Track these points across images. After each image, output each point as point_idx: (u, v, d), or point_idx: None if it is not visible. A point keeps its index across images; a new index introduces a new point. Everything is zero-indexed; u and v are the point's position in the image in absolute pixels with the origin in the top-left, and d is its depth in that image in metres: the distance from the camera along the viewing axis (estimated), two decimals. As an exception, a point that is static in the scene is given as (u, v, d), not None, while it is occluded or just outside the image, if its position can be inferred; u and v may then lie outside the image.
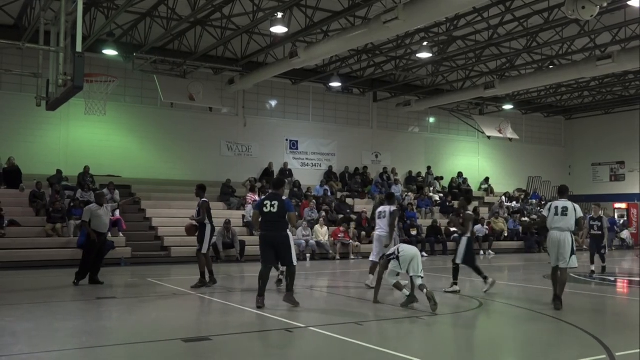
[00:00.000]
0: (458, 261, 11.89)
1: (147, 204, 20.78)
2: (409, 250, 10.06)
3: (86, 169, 20.56)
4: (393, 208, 12.44)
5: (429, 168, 29.25)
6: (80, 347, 7.20)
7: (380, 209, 12.59)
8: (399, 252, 9.96)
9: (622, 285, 14.63)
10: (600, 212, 16.19)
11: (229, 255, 19.10)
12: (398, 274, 10.01)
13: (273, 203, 9.82)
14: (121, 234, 18.59)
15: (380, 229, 12.33)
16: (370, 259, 12.59)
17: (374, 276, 11.85)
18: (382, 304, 10.31)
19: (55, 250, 17.21)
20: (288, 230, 10.08)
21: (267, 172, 24.86)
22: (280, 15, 16.85)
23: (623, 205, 31.30)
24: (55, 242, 17.52)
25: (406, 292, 9.94)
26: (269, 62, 22.32)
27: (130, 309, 10.36)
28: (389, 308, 10.36)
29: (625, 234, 28.86)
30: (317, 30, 19.09)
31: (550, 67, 23.31)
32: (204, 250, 12.63)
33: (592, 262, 15.83)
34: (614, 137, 32.01)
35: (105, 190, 19.82)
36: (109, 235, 18.01)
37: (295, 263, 10.12)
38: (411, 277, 9.92)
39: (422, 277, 9.85)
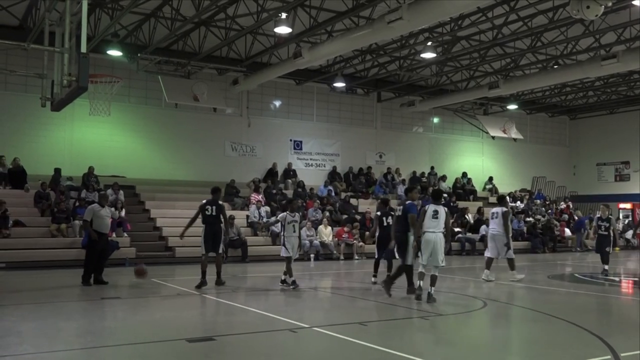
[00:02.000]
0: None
1: (151, 204, 20.81)
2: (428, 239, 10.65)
3: (90, 169, 20.60)
4: (504, 209, 13.83)
5: (432, 168, 29.21)
6: (85, 347, 7.22)
7: (493, 210, 14.19)
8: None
9: (626, 286, 14.58)
10: (607, 212, 16.03)
11: (233, 255, 19.10)
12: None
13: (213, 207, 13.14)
14: (125, 234, 18.62)
15: (494, 228, 13.91)
16: (486, 255, 14.13)
17: (489, 270, 13.88)
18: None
19: (60, 251, 17.24)
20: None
21: (272, 172, 24.88)
22: (284, 15, 16.85)
23: (628, 206, 31.18)
24: (60, 243, 17.55)
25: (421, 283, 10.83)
26: (273, 63, 22.33)
27: (134, 309, 10.38)
28: (394, 308, 10.36)
29: (629, 234, 28.76)
30: (321, 31, 19.09)
31: (555, 66, 23.25)
32: (220, 250, 13.37)
33: (604, 262, 15.63)
34: (618, 137, 31.91)
35: (109, 191, 19.90)
36: (113, 235, 18.15)
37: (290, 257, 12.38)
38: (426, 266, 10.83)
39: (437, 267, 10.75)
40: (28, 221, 18.01)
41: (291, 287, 12.15)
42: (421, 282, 10.71)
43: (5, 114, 20.41)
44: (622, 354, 6.72)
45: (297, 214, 12.56)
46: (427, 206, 10.86)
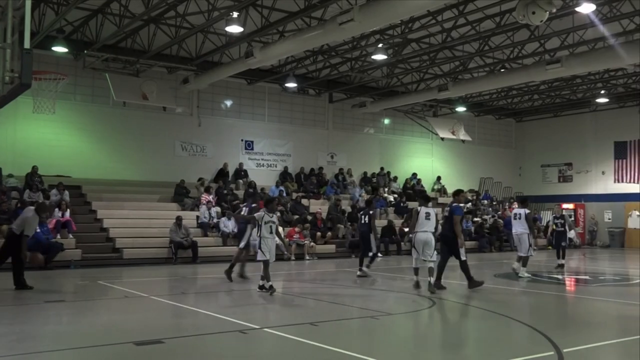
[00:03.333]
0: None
1: (98, 204, 20.34)
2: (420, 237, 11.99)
3: (34, 168, 19.98)
4: (527, 211, 14.97)
5: (381, 169, 29.49)
6: (27, 352, 6.98)
7: (516, 211, 15.18)
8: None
9: (570, 284, 15.04)
10: (562, 211, 17.12)
11: (182, 257, 18.85)
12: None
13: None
14: (71, 236, 18.14)
15: (517, 228, 14.87)
16: (518, 254, 15.11)
17: (519, 263, 14.98)
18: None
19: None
20: None
21: (222, 173, 24.66)
22: (235, 14, 16.73)
23: (571, 206, 32.20)
24: (1, 244, 16.91)
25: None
26: (224, 62, 22.13)
27: (79, 312, 10.12)
28: (345, 308, 10.41)
29: (572, 233, 29.66)
30: (273, 31, 19.03)
31: (502, 70, 23.80)
32: (242, 246, 14.10)
33: (559, 257, 17.08)
34: (562, 139, 32.96)
35: (54, 191, 19.36)
36: (58, 236, 17.67)
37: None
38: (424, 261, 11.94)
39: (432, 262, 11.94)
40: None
41: (269, 292, 11.34)
42: (416, 276, 12.36)
43: (-58, 110, 19.59)
44: (565, 350, 6.91)
45: (275, 214, 11.96)
46: (419, 208, 12.17)
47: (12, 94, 10.75)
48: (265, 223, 11.53)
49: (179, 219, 19.25)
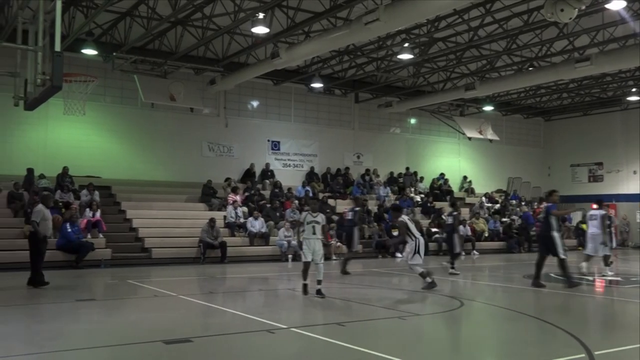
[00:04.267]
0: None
1: (127, 204, 20.59)
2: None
3: (65, 169, 20.31)
4: (603, 212, 15.37)
5: (407, 169, 29.35)
6: (59, 349, 7.11)
7: (592, 212, 15.65)
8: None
9: (601, 285, 14.79)
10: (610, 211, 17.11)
11: (210, 256, 18.99)
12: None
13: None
14: (101, 235, 18.41)
15: (593, 229, 15.27)
16: (585, 252, 15.56)
17: (587, 263, 15.37)
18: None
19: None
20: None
21: (249, 173, 24.79)
22: (261, 15, 16.81)
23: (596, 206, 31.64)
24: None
25: (429, 279, 12.15)
26: (250, 63, 22.25)
27: (109, 311, 10.27)
28: (372, 308, 10.39)
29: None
30: (299, 31, 19.07)
31: (530, 69, 23.53)
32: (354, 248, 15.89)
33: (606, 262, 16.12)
34: (592, 138, 32.42)
35: (84, 191, 19.67)
36: (89, 236, 17.95)
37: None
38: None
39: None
40: (1, 222, 17.69)
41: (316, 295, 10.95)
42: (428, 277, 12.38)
43: (-23, 113, 20.04)
44: (596, 352, 6.81)
45: (319, 214, 11.45)
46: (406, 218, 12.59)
47: (43, 96, 10.98)
48: (308, 223, 11.23)
49: (212, 221, 19.38)
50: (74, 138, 21.62)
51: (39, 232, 12.54)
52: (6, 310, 10.14)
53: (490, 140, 30.29)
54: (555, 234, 12.65)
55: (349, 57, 22.73)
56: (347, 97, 28.13)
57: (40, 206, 13.00)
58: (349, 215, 16.97)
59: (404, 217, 12.67)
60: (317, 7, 17.68)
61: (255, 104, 26.01)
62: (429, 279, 12.28)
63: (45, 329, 8.24)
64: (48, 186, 19.80)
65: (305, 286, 11.24)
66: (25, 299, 11.32)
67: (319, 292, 11.03)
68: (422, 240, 12.42)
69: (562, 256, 12.51)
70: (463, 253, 16.68)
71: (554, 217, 12.72)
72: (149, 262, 18.28)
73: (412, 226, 12.53)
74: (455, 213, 16.24)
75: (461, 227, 24.17)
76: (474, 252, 23.78)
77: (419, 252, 12.24)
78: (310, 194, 24.81)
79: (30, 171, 19.76)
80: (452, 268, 15.79)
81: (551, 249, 12.64)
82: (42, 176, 20.07)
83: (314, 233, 11.14)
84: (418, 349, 7.42)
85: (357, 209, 17.03)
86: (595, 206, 16.62)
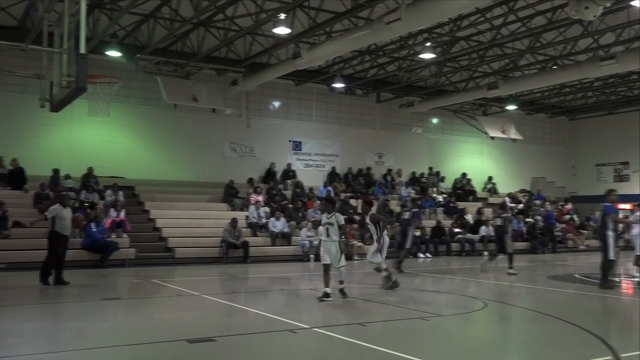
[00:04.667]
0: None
1: (151, 204, 20.80)
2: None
3: (90, 170, 20.57)
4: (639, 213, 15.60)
5: (430, 169, 29.21)
6: (85, 347, 7.21)
7: (638, 214, 15.70)
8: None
9: (627, 287, 14.57)
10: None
11: (232, 256, 19.09)
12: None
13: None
14: (125, 235, 18.60)
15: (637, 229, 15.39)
16: (636, 253, 15.25)
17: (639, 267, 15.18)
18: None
19: (59, 252, 17.18)
20: None
21: (270, 173, 24.88)
22: (283, 16, 16.85)
23: (627, 206, 31.17)
24: (60, 243, 17.49)
25: (384, 273, 12.04)
26: (272, 63, 22.33)
27: (134, 309, 10.38)
28: (393, 308, 10.36)
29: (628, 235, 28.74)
30: (320, 31, 19.09)
31: (554, 67, 23.27)
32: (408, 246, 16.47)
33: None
34: (617, 137, 31.91)
35: (109, 192, 19.90)
36: (113, 236, 18.14)
37: None
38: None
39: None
40: (27, 222, 17.94)
41: (321, 298, 10.73)
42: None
43: (4, 114, 20.39)
44: (623, 355, 6.71)
45: (334, 215, 10.95)
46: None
47: (69, 98, 11.14)
48: (323, 225, 11.16)
49: (234, 221, 19.48)
50: (98, 139, 21.90)
51: (36, 222, 12.97)
52: (33, 308, 10.32)
53: (514, 140, 30.00)
54: (610, 234, 12.65)
55: (371, 57, 22.70)
56: (368, 97, 28.08)
57: (56, 205, 13.26)
58: (406, 215, 17.59)
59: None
60: (338, 7, 17.68)
61: (276, 104, 26.09)
62: (384, 273, 12.33)
63: (71, 327, 8.36)
64: (73, 186, 20.09)
65: (325, 294, 10.70)
66: (52, 298, 11.50)
67: (341, 291, 11.00)
68: (387, 240, 12.45)
69: (612, 257, 12.55)
70: (512, 251, 16.35)
71: (610, 217, 12.77)
72: (172, 261, 18.43)
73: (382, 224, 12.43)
74: (504, 215, 16.38)
75: (484, 227, 24.12)
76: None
77: (381, 252, 12.25)
78: (332, 194, 24.80)
79: (56, 172, 20.06)
80: (510, 268, 15.79)
81: (603, 248, 12.75)
82: (67, 176, 20.35)
83: (328, 235, 10.92)
84: (441, 350, 7.38)
85: (415, 209, 17.83)
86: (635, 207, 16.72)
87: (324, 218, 11.12)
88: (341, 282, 11.05)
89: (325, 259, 10.96)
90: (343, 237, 11.20)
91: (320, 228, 11.42)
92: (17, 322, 8.73)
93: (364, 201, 14.02)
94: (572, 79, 23.36)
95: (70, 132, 21.55)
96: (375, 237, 12.38)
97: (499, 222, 16.55)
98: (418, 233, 22.71)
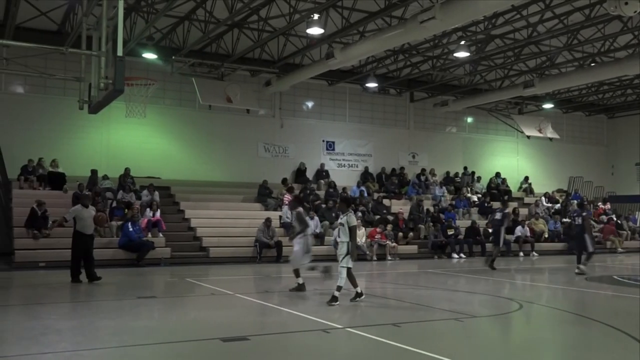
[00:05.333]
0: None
1: (186, 204, 21.05)
2: None
3: (127, 170, 20.92)
4: None
5: (465, 168, 28.92)
6: (121, 345, 7.35)
7: None
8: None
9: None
10: None
11: (266, 256, 19.20)
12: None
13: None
14: (161, 235, 18.85)
15: None
16: None
17: None
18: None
19: (98, 250, 17.46)
20: None
21: (300, 172, 24.94)
22: (316, 16, 16.88)
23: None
24: (97, 242, 17.71)
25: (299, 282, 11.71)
26: (305, 64, 22.39)
27: (169, 308, 10.52)
28: (428, 309, 10.29)
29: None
30: (353, 31, 19.07)
31: (592, 64, 22.80)
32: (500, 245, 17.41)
33: None
34: (659, 136, 31.12)
35: (145, 192, 20.21)
36: (149, 235, 18.42)
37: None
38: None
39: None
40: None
41: (357, 299, 10.49)
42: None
43: (44, 117, 20.89)
44: (664, 358, 6.55)
45: (348, 214, 10.48)
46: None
47: (106, 100, 11.36)
48: (338, 225, 10.71)
49: (268, 221, 19.59)
50: (135, 140, 22.27)
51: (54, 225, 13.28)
52: (71, 306, 10.55)
53: (551, 139, 29.51)
54: None
55: (404, 56, 22.58)
56: (402, 96, 27.94)
57: (77, 206, 13.55)
58: (498, 216, 18.20)
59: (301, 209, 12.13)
60: (371, 7, 17.64)
61: (310, 104, 26.16)
62: (299, 282, 11.71)
63: (108, 325, 8.52)
64: (111, 187, 20.46)
65: (357, 294, 10.51)
66: (89, 296, 11.73)
67: (332, 298, 10.23)
68: (310, 239, 12.17)
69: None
70: (591, 252, 16.17)
71: None
72: (206, 261, 18.62)
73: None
74: (584, 214, 16.54)
75: (519, 227, 23.77)
76: (533, 253, 23.25)
77: (308, 252, 11.80)
78: (365, 194, 24.77)
79: (94, 172, 20.46)
80: (583, 266, 15.86)
81: None
82: (105, 177, 20.74)
83: (339, 236, 10.54)
84: (475, 352, 7.31)
85: (506, 211, 18.47)
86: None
87: (339, 218, 10.73)
88: (338, 289, 10.29)
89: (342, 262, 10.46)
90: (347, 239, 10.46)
91: (335, 229, 11.14)
92: (56, 319, 8.94)
93: (295, 197, 13.48)
94: (610, 76, 22.86)
95: (108, 134, 21.97)
96: (299, 236, 11.77)
97: (579, 221, 16.55)
98: (451, 232, 22.60)
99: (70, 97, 18.13)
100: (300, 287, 11.95)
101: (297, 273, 11.99)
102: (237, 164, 23.99)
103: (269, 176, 23.42)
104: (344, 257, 10.31)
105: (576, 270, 15.70)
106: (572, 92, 28.57)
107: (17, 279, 14.55)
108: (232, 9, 16.56)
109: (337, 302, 10.10)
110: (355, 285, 10.54)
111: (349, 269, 10.36)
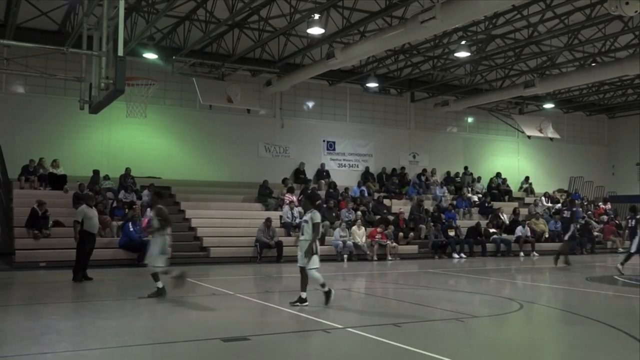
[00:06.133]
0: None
1: (186, 204, 21.04)
2: None
3: (127, 170, 20.93)
4: None
5: (465, 168, 28.91)
6: (122, 345, 7.35)
7: None
8: None
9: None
10: None
11: (266, 256, 19.20)
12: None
13: None
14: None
15: None
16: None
17: None
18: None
19: (98, 250, 17.47)
20: None
21: (299, 172, 24.94)
22: (317, 16, 16.88)
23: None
24: (98, 242, 17.74)
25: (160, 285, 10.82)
26: (305, 64, 22.39)
27: (170, 308, 10.50)
28: (428, 309, 10.29)
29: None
30: (354, 31, 19.07)
31: (593, 64, 22.78)
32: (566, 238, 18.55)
33: None
34: (659, 136, 31.10)
35: (145, 192, 20.22)
36: (150, 236, 18.39)
37: None
38: None
39: None
40: (67, 221, 18.29)
41: (297, 304, 10.03)
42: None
43: (45, 117, 20.90)
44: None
45: (310, 213, 10.16)
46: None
47: (107, 100, 11.36)
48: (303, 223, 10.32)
49: (268, 221, 19.59)
50: (135, 140, 22.28)
51: (76, 231, 13.22)
52: (72, 306, 10.55)
53: (551, 139, 29.50)
54: None
55: (405, 56, 22.57)
56: (402, 96, 27.94)
57: (83, 206, 13.62)
58: (566, 214, 19.57)
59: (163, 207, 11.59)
60: (372, 7, 17.64)
61: (310, 104, 26.16)
62: (158, 286, 11.06)
63: (109, 325, 8.51)
64: (112, 187, 20.47)
65: (300, 299, 10.07)
66: (90, 296, 11.73)
67: (326, 294, 10.05)
68: (168, 239, 11.43)
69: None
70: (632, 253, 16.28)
71: None
72: (207, 260, 18.62)
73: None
74: (574, 209, 17.26)
75: (520, 227, 23.76)
76: (534, 253, 23.23)
77: (164, 253, 11.22)
78: (366, 194, 24.77)
79: (96, 172, 20.48)
80: (622, 265, 16.09)
81: None
82: (106, 177, 20.75)
83: (302, 234, 10.18)
84: (476, 352, 7.30)
85: (574, 209, 19.35)
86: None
87: (304, 215, 10.38)
88: (322, 286, 10.05)
89: (299, 260, 10.24)
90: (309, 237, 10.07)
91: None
92: (56, 319, 8.94)
93: (155, 192, 12.95)
94: (611, 76, 22.86)
95: (109, 134, 21.98)
96: (157, 233, 11.30)
97: (632, 223, 16.60)
98: (452, 233, 22.59)
99: (71, 97, 18.14)
100: (160, 292, 11.08)
101: (155, 277, 11.15)
102: (237, 164, 23.99)
103: (269, 176, 23.42)
104: (309, 258, 9.95)
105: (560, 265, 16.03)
106: (573, 92, 28.56)
107: (17, 278, 14.55)
108: (233, 9, 16.57)
109: (331, 298, 10.01)
110: (303, 289, 10.11)
111: (302, 269, 10.12)
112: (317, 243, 10.19)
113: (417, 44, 21.34)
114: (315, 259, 10.04)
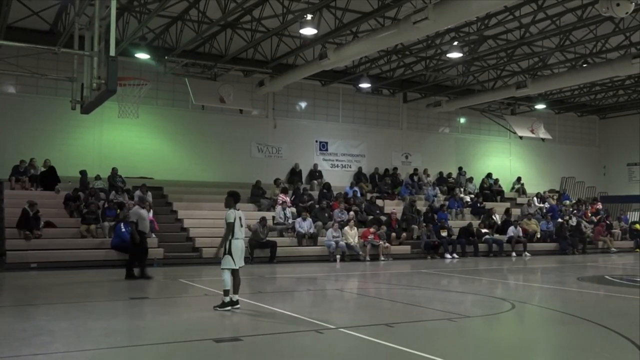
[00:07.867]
0: None
1: (178, 205, 21.00)
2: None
3: (114, 170, 20.82)
4: None
5: (460, 169, 29.00)
6: (114, 346, 7.32)
7: None
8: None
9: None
10: None
11: (259, 256, 19.17)
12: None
13: None
14: (153, 235, 18.77)
15: None
16: None
17: None
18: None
19: (90, 251, 17.48)
20: None
21: (294, 172, 24.94)
22: (309, 17, 16.89)
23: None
24: (90, 243, 17.80)
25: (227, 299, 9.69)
26: (298, 64, 22.39)
27: (162, 309, 10.48)
28: (420, 309, 10.31)
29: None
30: (347, 32, 19.09)
31: (584, 65, 22.91)
32: None
33: None
34: (650, 136, 31.30)
35: (137, 192, 20.16)
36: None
37: None
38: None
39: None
40: (58, 222, 18.31)
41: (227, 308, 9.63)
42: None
43: (36, 117, 20.80)
44: (655, 358, 6.58)
45: (228, 212, 10.31)
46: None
47: (99, 100, 11.32)
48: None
49: (263, 219, 19.55)
50: (127, 140, 22.21)
51: (135, 234, 13.92)
52: (63, 307, 10.49)
53: (543, 139, 29.65)
54: None
55: (397, 57, 22.61)
56: (395, 96, 27.98)
57: (136, 207, 14.41)
58: None
59: None
60: (365, 7, 17.66)
61: (303, 104, 26.16)
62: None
63: (101, 326, 8.48)
64: (103, 187, 20.39)
65: (231, 302, 9.75)
66: (82, 297, 11.68)
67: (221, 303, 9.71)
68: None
69: None
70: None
71: None
72: (199, 261, 18.57)
73: None
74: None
75: (512, 227, 23.87)
76: (526, 253, 23.32)
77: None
78: (359, 195, 24.78)
79: (83, 173, 20.38)
80: None
81: None
82: (97, 177, 20.67)
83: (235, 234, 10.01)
84: (468, 352, 7.32)
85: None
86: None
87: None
88: (225, 293, 9.65)
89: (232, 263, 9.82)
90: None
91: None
92: (48, 320, 8.89)
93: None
94: (602, 77, 22.98)
95: (101, 134, 21.90)
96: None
97: None
98: (445, 233, 22.65)
99: (62, 97, 18.07)
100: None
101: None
102: (230, 164, 23.96)
103: (262, 177, 23.40)
104: (223, 257, 9.76)
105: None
106: (565, 92, 28.70)
107: (8, 280, 14.47)
108: (225, 9, 16.54)
109: (228, 308, 9.54)
110: (235, 291, 9.77)
111: (234, 271, 9.79)
112: (240, 243, 9.94)
113: (409, 45, 21.39)
114: (228, 259, 9.73)
